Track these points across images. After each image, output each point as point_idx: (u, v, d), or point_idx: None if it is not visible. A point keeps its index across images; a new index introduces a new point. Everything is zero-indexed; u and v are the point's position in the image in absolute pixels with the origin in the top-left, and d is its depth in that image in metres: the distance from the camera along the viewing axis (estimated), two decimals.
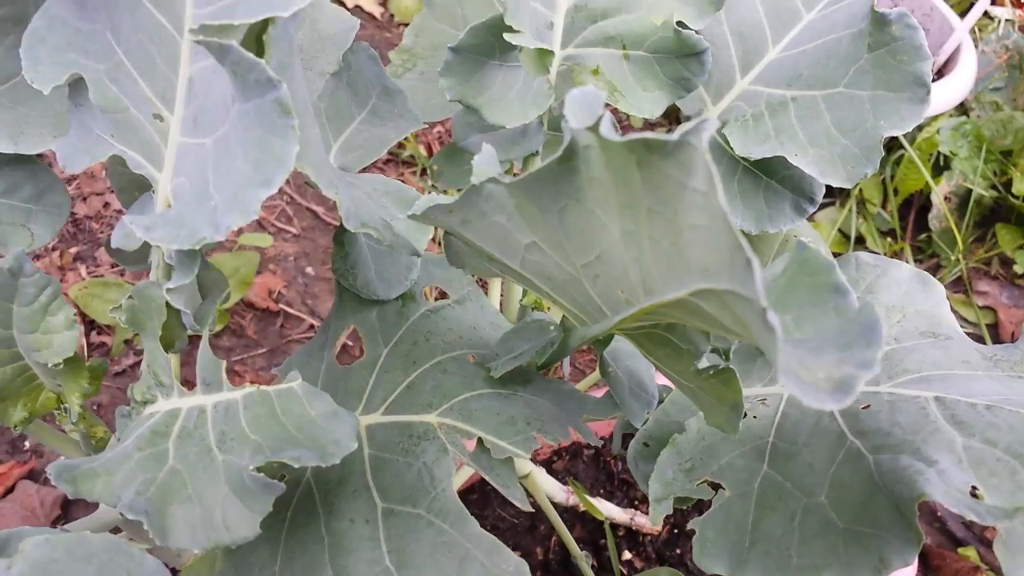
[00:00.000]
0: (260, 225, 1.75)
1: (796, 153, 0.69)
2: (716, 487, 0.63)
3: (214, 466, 0.53)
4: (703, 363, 0.56)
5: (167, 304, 0.57)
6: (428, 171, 0.96)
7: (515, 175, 0.48)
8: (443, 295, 0.75)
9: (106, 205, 1.74)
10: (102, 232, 1.71)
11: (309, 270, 1.71)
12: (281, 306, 1.64)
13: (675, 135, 0.36)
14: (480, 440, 0.62)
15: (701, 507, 0.63)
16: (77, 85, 0.63)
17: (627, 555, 1.23)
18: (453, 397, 0.64)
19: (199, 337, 0.61)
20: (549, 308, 0.78)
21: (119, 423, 0.63)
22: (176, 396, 0.59)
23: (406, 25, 1.04)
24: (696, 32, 0.70)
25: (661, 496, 0.62)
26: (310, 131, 0.57)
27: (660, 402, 0.73)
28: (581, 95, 0.41)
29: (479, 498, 1.18)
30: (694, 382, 0.57)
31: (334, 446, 0.52)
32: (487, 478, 0.62)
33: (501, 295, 0.95)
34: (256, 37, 0.54)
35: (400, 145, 1.92)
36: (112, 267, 1.65)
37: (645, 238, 0.42)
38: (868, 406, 0.63)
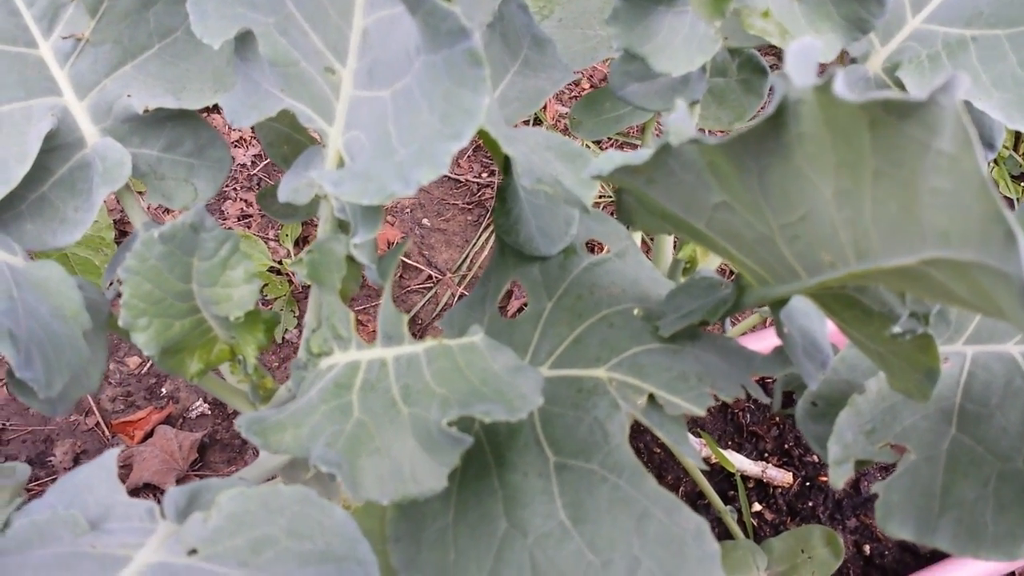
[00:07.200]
0: None
1: (979, 96, 0.65)
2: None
3: (400, 419, 0.54)
4: (897, 327, 0.53)
5: (347, 258, 0.57)
6: (568, 122, 0.94)
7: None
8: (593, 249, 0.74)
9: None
10: (226, 187, 1.75)
11: (425, 221, 1.72)
12: (399, 257, 1.66)
13: (923, 95, 0.33)
14: (651, 395, 0.61)
15: None
16: (244, 39, 0.63)
17: (757, 507, 1.22)
18: (622, 351, 0.63)
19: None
20: (705, 259, 0.76)
21: (294, 375, 0.64)
22: (355, 349, 0.60)
23: None
24: None
25: (841, 459, 0.60)
26: None
27: None
28: (800, 49, 0.38)
29: None
30: (884, 346, 0.54)
31: (520, 400, 0.52)
32: (658, 434, 0.61)
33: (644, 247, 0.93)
34: None
35: None
36: (238, 220, 1.69)
37: (867, 199, 0.40)
38: None
